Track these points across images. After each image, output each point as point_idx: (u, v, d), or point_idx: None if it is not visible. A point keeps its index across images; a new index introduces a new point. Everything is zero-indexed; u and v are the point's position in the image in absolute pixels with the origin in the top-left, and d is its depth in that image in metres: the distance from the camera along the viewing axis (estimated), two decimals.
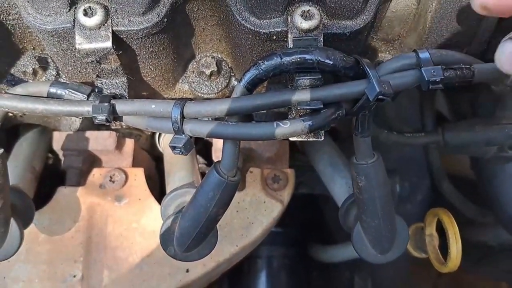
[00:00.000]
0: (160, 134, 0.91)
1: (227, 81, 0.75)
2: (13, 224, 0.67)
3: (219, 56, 0.75)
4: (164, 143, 0.88)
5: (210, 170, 0.59)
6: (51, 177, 0.87)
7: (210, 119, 0.60)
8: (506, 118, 0.71)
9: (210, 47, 0.73)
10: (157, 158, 0.97)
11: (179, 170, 0.77)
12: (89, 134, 0.80)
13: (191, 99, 0.59)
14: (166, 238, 0.66)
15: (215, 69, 0.73)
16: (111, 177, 0.80)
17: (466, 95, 0.93)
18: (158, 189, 0.86)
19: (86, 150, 0.79)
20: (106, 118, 0.59)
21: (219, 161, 0.59)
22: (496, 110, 0.72)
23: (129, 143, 0.82)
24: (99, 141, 0.79)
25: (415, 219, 0.88)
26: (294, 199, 0.88)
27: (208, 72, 0.72)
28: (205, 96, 0.75)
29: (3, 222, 0.65)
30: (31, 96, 0.61)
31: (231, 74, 0.75)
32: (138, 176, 0.81)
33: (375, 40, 0.71)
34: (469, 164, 1.02)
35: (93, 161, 0.83)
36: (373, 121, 0.62)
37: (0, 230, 0.66)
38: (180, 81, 0.75)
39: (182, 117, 0.56)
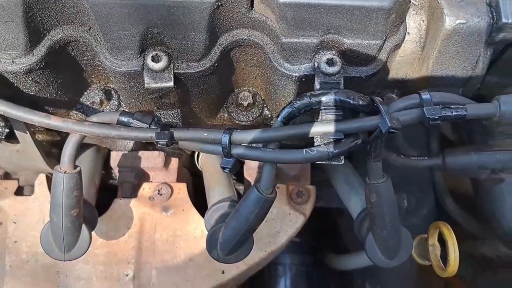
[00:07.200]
0: (198, 154, 1.05)
1: (260, 111, 0.88)
2: (84, 229, 0.81)
3: (254, 90, 0.88)
4: (201, 161, 1.02)
5: (252, 188, 0.72)
6: (104, 190, 1.01)
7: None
8: (496, 146, 0.84)
9: (247, 82, 0.87)
10: (194, 174, 1.11)
11: (218, 185, 0.91)
12: (141, 153, 0.93)
13: (236, 129, 0.72)
14: (211, 244, 0.79)
15: (251, 101, 0.86)
16: (159, 191, 0.93)
17: (464, 125, 1.06)
18: (194, 200, 0.99)
19: (138, 167, 0.93)
20: (166, 143, 0.73)
21: (259, 181, 0.72)
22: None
23: (174, 162, 0.96)
24: (150, 160, 0.92)
25: (420, 231, 0.97)
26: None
27: (245, 104, 0.86)
28: (242, 123, 0.88)
29: (77, 227, 0.79)
30: (106, 123, 0.75)
31: (264, 105, 0.89)
32: (181, 190, 0.94)
33: (385, 79, 0.85)
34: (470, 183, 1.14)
35: (143, 176, 0.96)
36: (384, 146, 0.74)
37: (74, 234, 0.79)
38: (221, 110, 0.89)
39: (230, 143, 0.70)
